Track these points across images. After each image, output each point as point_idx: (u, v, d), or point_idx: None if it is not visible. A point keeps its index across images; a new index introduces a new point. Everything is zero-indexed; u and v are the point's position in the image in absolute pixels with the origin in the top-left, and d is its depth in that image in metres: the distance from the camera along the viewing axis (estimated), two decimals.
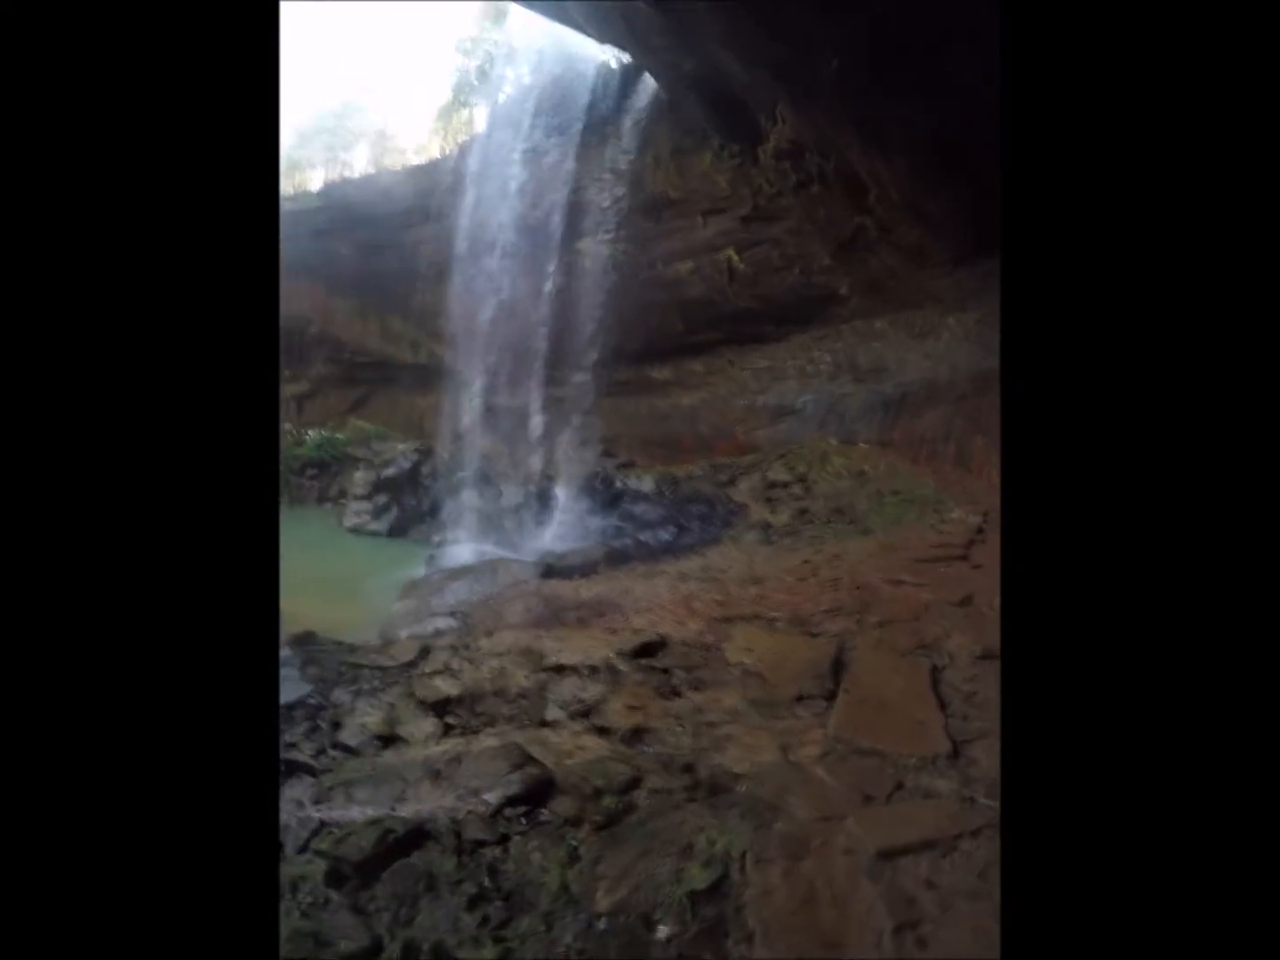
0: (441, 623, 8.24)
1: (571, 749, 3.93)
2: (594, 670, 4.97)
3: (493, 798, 3.23)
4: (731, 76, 10.28)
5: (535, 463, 13.58)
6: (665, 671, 4.58)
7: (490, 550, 10.80)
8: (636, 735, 3.94)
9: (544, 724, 4.51)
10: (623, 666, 4.83)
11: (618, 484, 11.93)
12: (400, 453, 13.92)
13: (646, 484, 11.63)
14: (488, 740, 4.30)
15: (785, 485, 10.82)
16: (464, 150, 13.88)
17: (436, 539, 12.11)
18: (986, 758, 3.19)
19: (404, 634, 7.69)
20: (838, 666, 4.21)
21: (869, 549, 7.33)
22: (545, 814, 3.15)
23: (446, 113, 15.26)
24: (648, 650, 4.95)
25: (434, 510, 12.90)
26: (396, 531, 12.97)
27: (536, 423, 14.11)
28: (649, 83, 12.16)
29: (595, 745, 3.95)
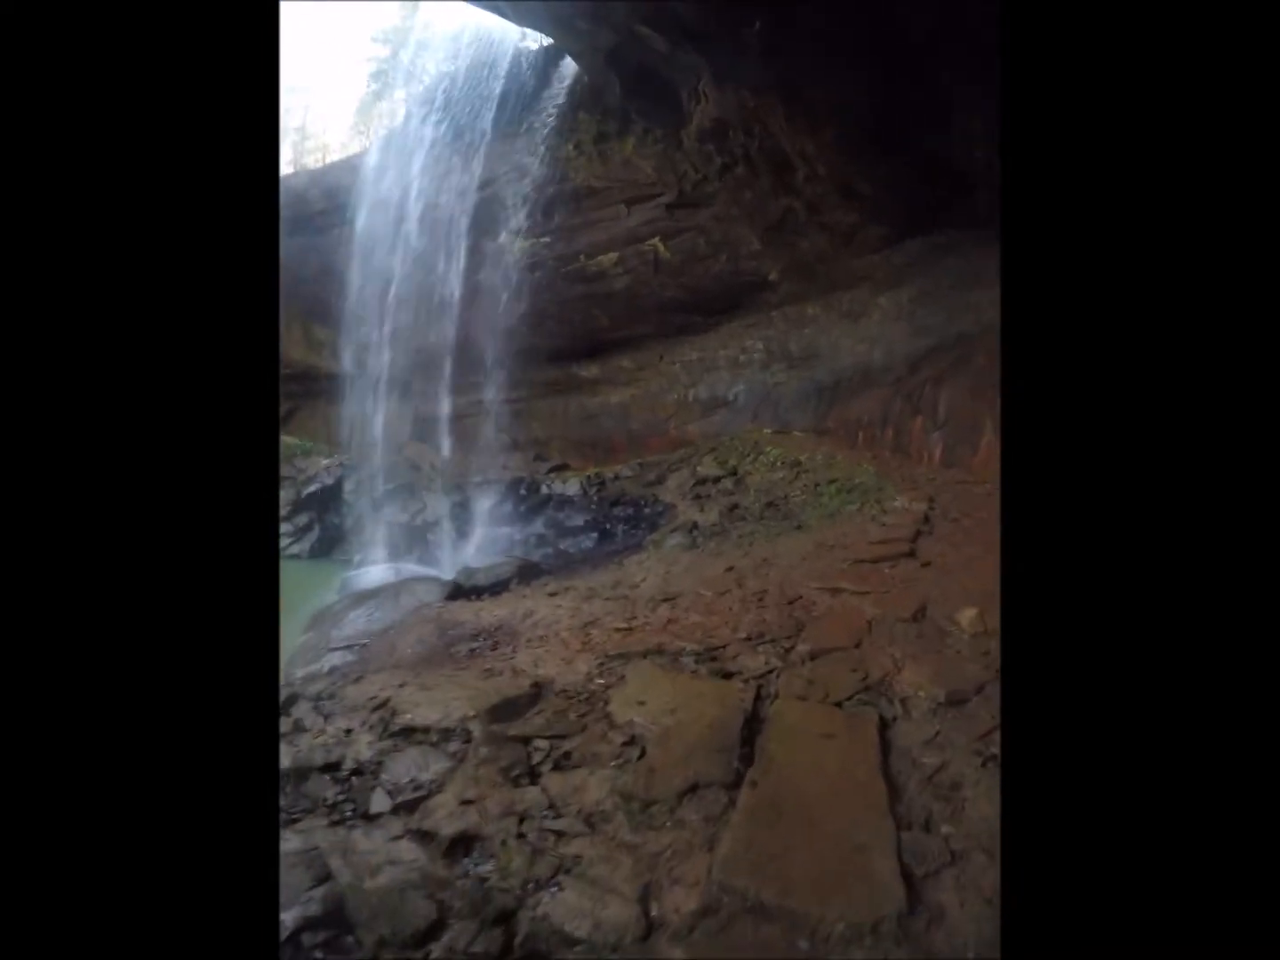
0: (338, 658, 6.81)
1: (380, 862, 2.58)
2: (446, 735, 3.56)
3: (288, 919, 2.28)
4: (653, 53, 8.97)
5: (460, 471, 12.09)
6: (525, 742, 3.17)
7: (408, 569, 9.34)
8: (463, 846, 2.62)
9: (367, 817, 3.12)
10: (478, 732, 3.40)
11: (543, 489, 10.48)
12: (323, 469, 12.31)
13: (572, 487, 10.24)
14: (293, 840, 2.90)
15: (716, 480, 9.48)
16: (380, 145, 12.36)
17: (357, 559, 10.58)
18: (960, 904, 1.85)
19: (299, 673, 6.36)
20: (751, 728, 2.84)
21: (803, 549, 6.01)
22: (350, 943, 2.16)
23: (367, 106, 13.74)
24: (511, 709, 3.53)
25: (358, 528, 11.33)
26: (319, 553, 11.39)
27: (461, 429, 12.64)
28: (570, 67, 10.79)
29: (410, 859, 2.63)
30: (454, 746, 3.39)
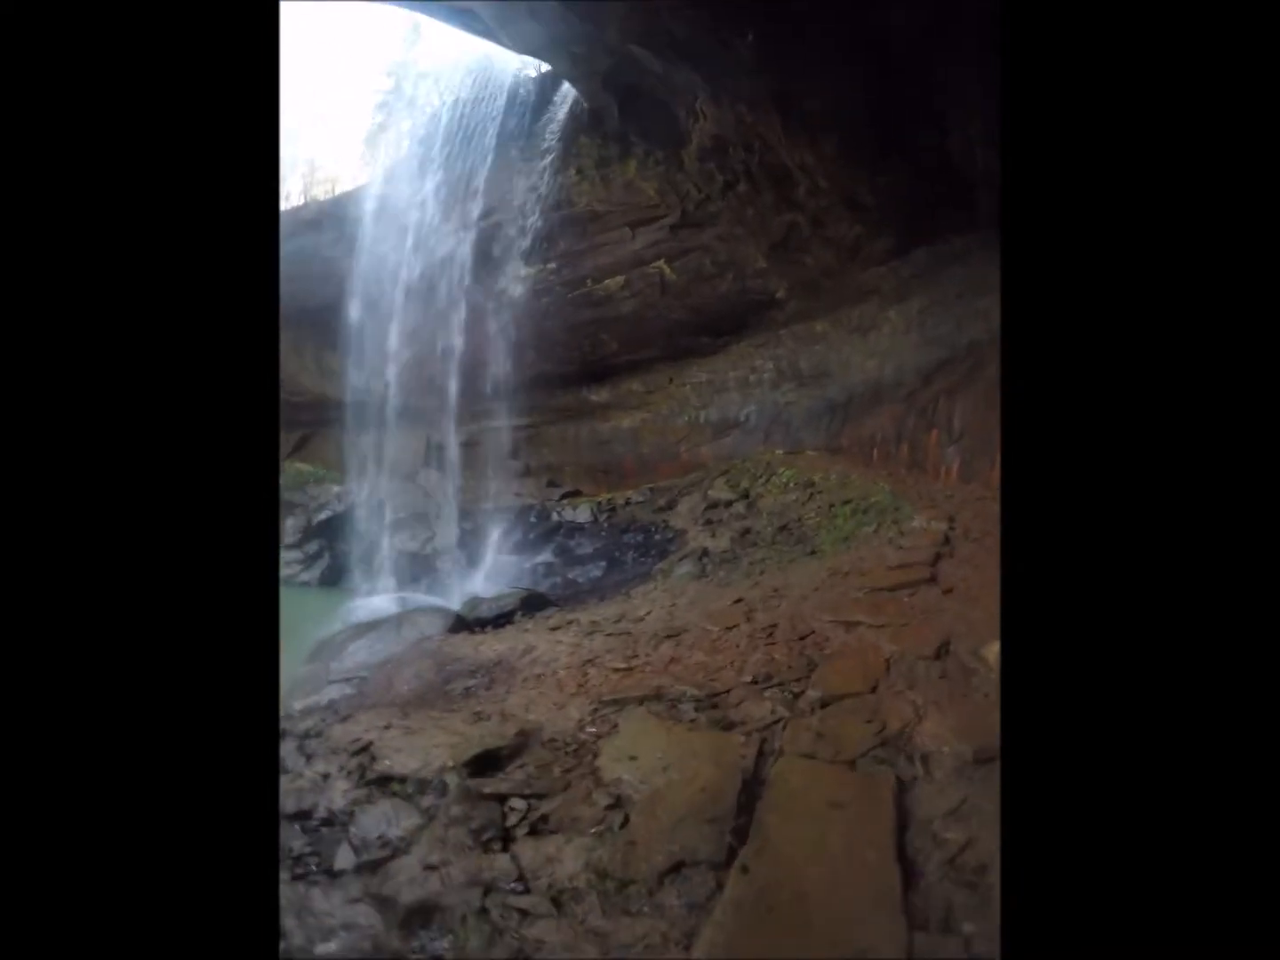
0: (337, 691, 6.55)
1: (335, 925, 2.36)
2: (422, 787, 3.25)
3: None
4: (648, 73, 8.81)
5: (472, 499, 11.83)
6: (502, 800, 2.84)
7: (414, 598, 9.06)
8: (421, 916, 2.32)
9: (330, 873, 2.85)
10: (454, 785, 3.09)
11: (554, 516, 10.17)
12: (334, 496, 12.10)
13: (583, 514, 9.92)
14: None
15: (727, 504, 9.11)
16: (384, 177, 12.26)
17: (365, 588, 10.33)
18: None
19: (297, 705, 6.09)
20: (750, 792, 2.48)
21: (817, 576, 5.62)
22: None
23: (373, 138, 13.71)
24: (493, 761, 3.21)
25: (367, 556, 11.08)
26: (328, 580, 11.13)
27: (473, 456, 12.40)
28: (568, 92, 10.65)
29: (365, 925, 2.34)
30: (428, 800, 3.08)
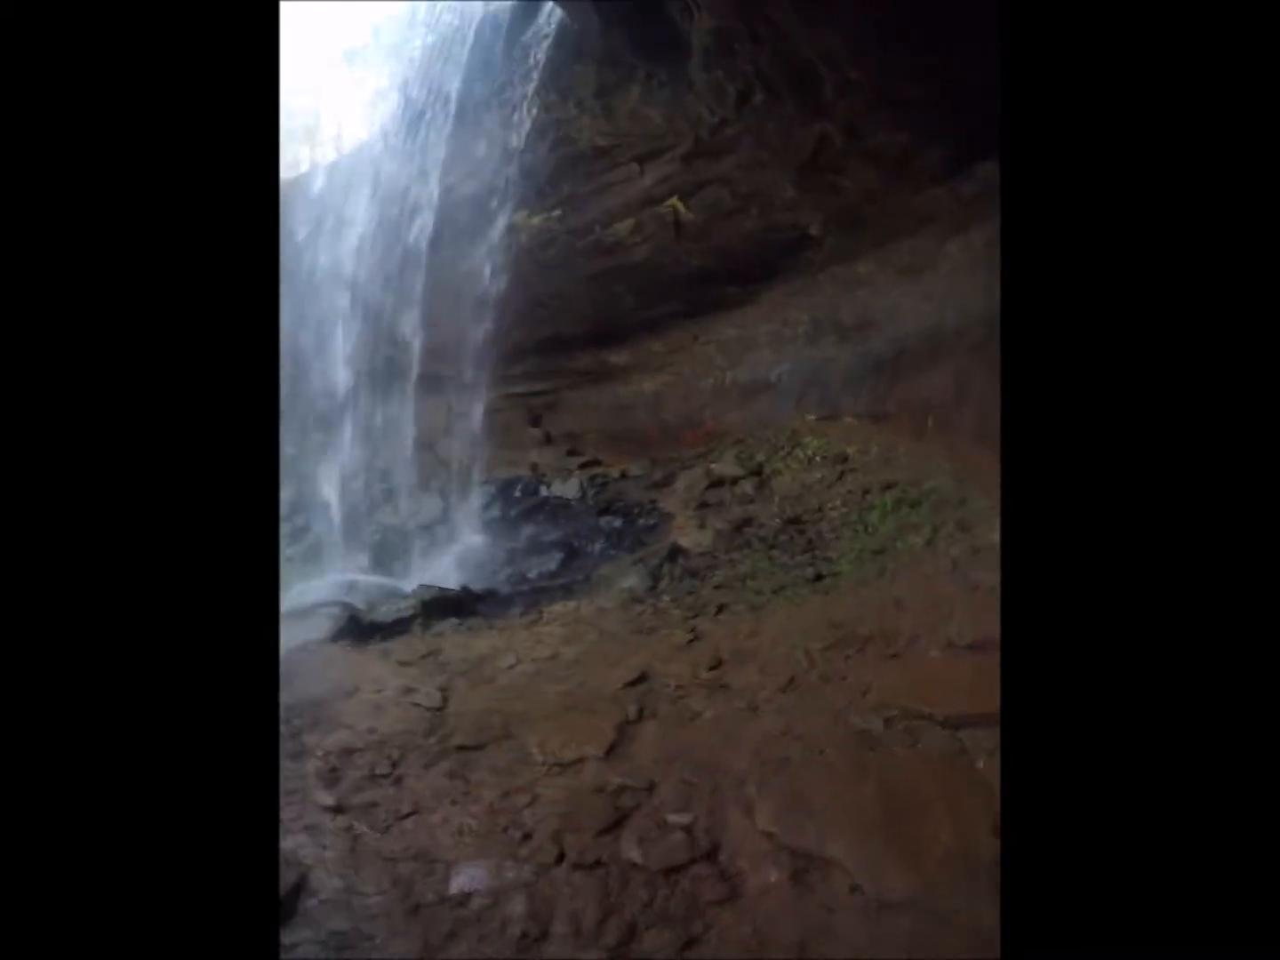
0: None
1: None
2: None
3: None
4: None
5: (483, 469, 9.70)
6: None
7: (367, 581, 7.14)
8: None
9: None
10: None
11: (542, 491, 7.87)
12: (337, 468, 10.20)
13: (571, 489, 7.66)
14: None
15: (734, 482, 6.63)
16: (381, 132, 10.14)
17: (340, 566, 8.43)
18: None
19: None
20: None
21: (807, 638, 2.99)
22: None
23: (366, 97, 11.65)
24: None
25: (349, 532, 9.16)
26: (312, 557, 9.26)
27: (491, 425, 10.23)
28: (553, 16, 8.13)
29: None
30: None
